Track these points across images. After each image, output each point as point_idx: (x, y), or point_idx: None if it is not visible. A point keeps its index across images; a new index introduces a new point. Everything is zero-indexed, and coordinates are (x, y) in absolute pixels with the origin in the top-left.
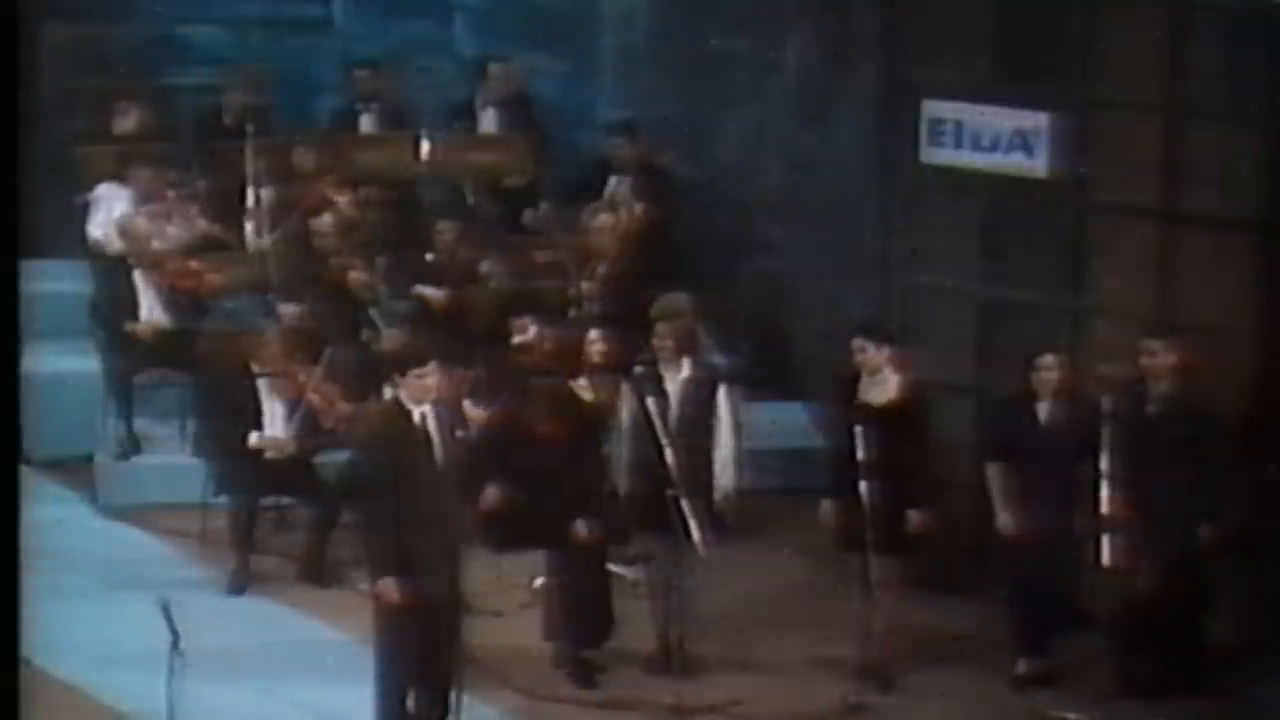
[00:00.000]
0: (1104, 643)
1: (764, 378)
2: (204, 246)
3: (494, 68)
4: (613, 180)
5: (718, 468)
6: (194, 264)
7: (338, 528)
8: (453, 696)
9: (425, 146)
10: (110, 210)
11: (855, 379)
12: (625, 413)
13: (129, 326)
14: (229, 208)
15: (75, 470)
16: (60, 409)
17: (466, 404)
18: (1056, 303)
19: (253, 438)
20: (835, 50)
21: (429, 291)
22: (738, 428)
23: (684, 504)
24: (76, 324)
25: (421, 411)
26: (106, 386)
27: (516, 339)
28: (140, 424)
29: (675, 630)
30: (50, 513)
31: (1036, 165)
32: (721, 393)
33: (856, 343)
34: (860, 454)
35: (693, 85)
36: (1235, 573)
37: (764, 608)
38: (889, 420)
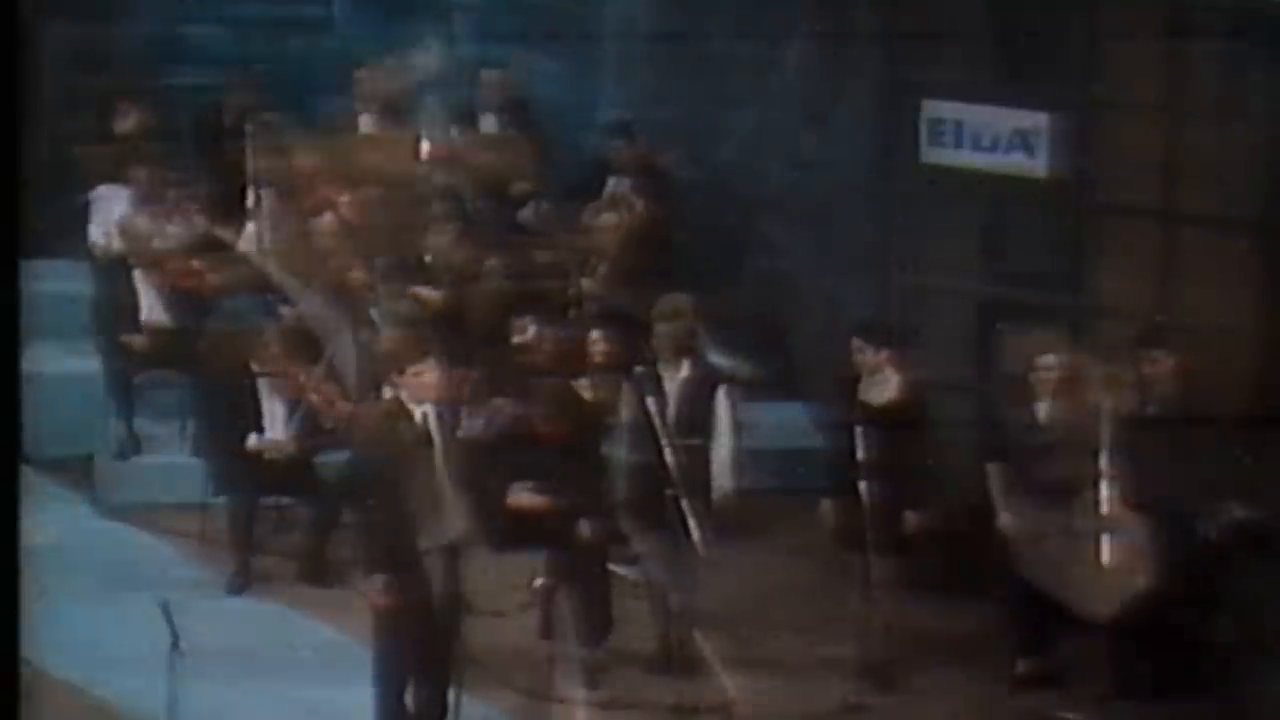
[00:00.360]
0: (1104, 643)
1: (764, 378)
2: (204, 246)
3: (487, 74)
4: (612, 181)
5: (717, 468)
6: (194, 264)
7: (338, 528)
8: (452, 696)
9: (425, 146)
10: (110, 211)
11: (855, 379)
12: (625, 413)
13: (128, 337)
14: (229, 208)
15: (75, 470)
16: (60, 409)
17: (465, 407)
18: (1056, 303)
19: (252, 439)
20: (835, 50)
21: (425, 292)
22: (737, 428)
23: (684, 504)
24: (76, 324)
25: (423, 411)
26: (106, 386)
27: (517, 339)
28: (140, 424)
29: (675, 630)
30: (50, 513)
31: (1036, 165)
32: (721, 393)
33: (856, 343)
34: (860, 454)
35: (693, 85)
36: (1236, 572)
37: (764, 608)
38: (889, 420)
